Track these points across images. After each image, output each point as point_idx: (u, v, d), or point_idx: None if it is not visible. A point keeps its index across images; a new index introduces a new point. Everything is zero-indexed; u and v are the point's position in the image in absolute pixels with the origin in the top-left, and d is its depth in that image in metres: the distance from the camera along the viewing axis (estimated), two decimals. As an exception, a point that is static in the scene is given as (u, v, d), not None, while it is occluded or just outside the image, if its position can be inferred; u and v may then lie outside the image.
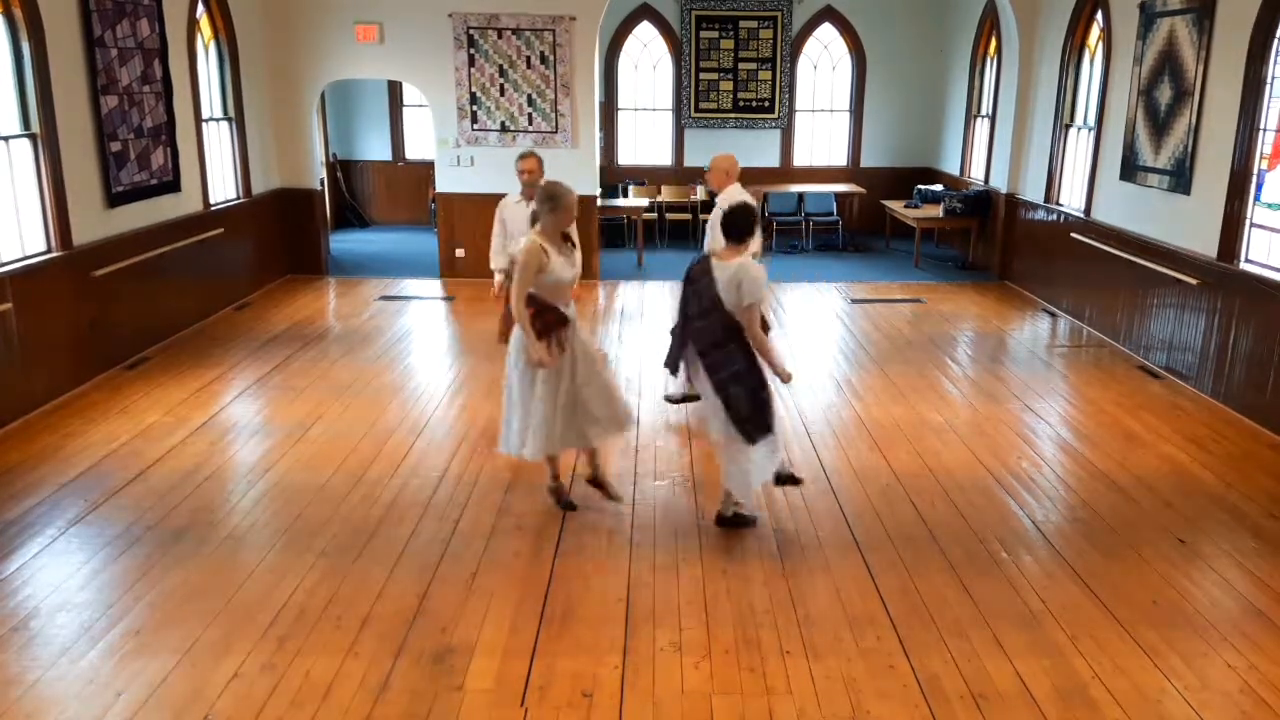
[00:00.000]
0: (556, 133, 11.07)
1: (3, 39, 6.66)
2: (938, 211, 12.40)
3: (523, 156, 6.48)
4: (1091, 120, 9.56)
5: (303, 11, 10.77)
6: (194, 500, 5.43)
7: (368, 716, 3.63)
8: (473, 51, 10.88)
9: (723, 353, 4.79)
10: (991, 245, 11.77)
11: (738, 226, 4.86)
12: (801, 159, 14.81)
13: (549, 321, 4.97)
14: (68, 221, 7.15)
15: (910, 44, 14.16)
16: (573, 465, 5.77)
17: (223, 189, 9.94)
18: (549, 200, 4.95)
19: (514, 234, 6.28)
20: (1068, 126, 10.12)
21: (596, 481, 5.41)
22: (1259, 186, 7.00)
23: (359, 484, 5.67)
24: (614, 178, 14.17)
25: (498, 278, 6.64)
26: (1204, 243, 7.44)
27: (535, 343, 4.88)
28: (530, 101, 10.99)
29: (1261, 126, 6.92)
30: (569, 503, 5.39)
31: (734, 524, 5.16)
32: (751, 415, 4.81)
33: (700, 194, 13.66)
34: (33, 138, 6.86)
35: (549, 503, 5.41)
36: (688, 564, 4.79)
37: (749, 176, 14.31)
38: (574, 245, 5.16)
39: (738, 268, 4.74)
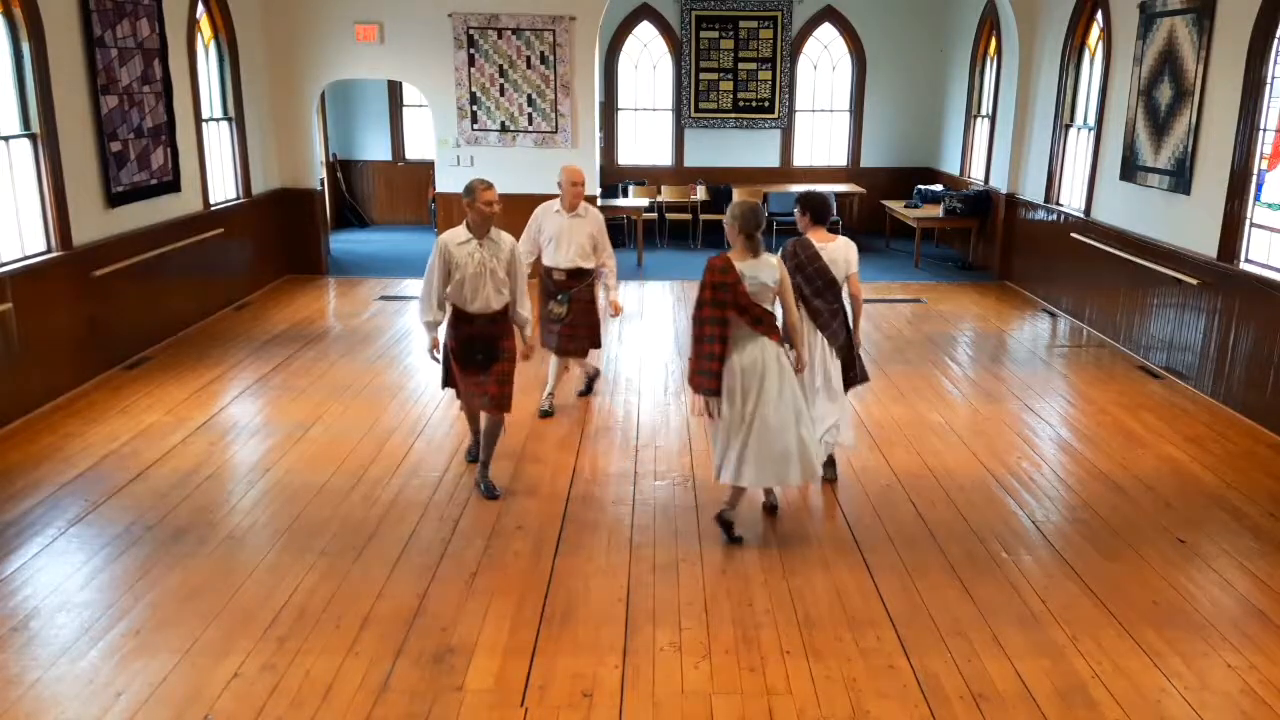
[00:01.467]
0: (556, 133, 11.07)
1: (3, 39, 6.66)
2: (938, 211, 12.40)
3: (486, 185, 5.26)
4: (1091, 120, 9.56)
5: (303, 11, 10.78)
6: (194, 500, 5.43)
7: (368, 716, 3.63)
8: (473, 51, 10.88)
9: (839, 321, 5.52)
10: (991, 245, 11.77)
11: (823, 209, 5.51)
12: (801, 159, 14.81)
13: None
14: (68, 221, 7.15)
15: (910, 44, 14.16)
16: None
17: (223, 189, 9.94)
18: (757, 217, 4.79)
19: (464, 279, 5.27)
20: (1068, 126, 10.12)
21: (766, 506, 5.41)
22: (1259, 186, 7.00)
23: (359, 484, 5.67)
24: (614, 178, 14.17)
25: (429, 335, 5.44)
26: (1204, 243, 7.44)
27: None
28: (530, 101, 10.99)
29: (1261, 126, 6.92)
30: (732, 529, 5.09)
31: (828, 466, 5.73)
32: (854, 365, 5.63)
33: (701, 194, 13.66)
34: (33, 138, 6.86)
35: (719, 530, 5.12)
36: (688, 564, 4.80)
37: (749, 176, 14.44)
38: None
39: (845, 243, 5.50)
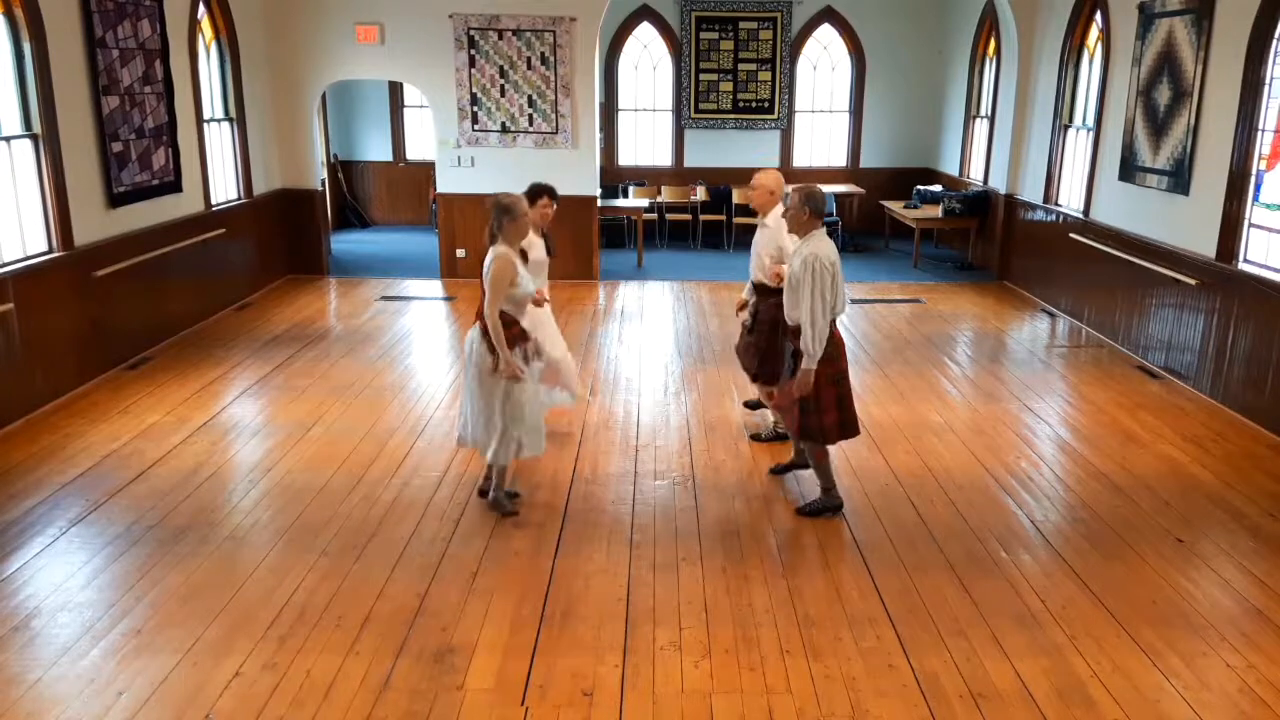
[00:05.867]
0: (557, 133, 11.08)
1: (4, 40, 6.67)
2: (937, 212, 12.40)
3: None
4: (1090, 121, 9.57)
5: (303, 12, 10.79)
6: (195, 500, 5.44)
7: (368, 716, 3.64)
8: (473, 52, 10.89)
9: None
10: (990, 246, 11.79)
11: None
12: (801, 159, 14.82)
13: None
14: (69, 222, 7.16)
15: (910, 44, 14.17)
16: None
17: (224, 189, 9.95)
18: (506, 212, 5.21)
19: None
20: (1066, 127, 10.13)
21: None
22: (1257, 187, 7.01)
23: (360, 484, 5.68)
24: (614, 178, 14.18)
25: None
26: (1203, 243, 7.45)
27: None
28: (531, 102, 11.00)
29: (1260, 127, 6.93)
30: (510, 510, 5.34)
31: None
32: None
33: (701, 195, 13.67)
34: (34, 138, 6.87)
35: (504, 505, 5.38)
36: (688, 564, 4.81)
37: (749, 177, 14.36)
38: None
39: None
